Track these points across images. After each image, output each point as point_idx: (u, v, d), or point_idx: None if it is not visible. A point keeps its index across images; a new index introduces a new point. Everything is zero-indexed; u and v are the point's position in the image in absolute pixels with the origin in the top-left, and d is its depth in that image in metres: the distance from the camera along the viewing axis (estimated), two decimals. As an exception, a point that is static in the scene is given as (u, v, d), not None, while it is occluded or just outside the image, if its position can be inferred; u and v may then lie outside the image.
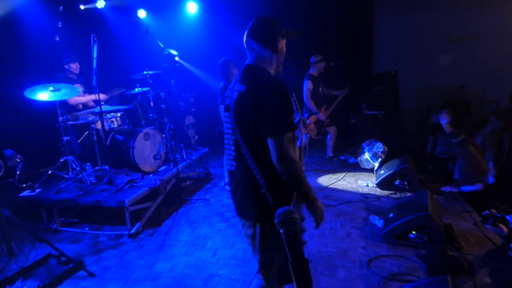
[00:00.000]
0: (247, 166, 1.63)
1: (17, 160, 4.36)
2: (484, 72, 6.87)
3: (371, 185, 4.85)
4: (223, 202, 4.58)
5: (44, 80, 4.07)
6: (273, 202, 1.60)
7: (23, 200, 3.84)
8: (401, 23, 7.43)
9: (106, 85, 5.00)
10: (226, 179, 4.92)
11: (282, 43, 1.74)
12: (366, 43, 7.66)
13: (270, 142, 1.52)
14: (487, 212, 2.97)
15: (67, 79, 4.46)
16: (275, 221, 1.26)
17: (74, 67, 4.59)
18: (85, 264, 3.11)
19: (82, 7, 5.38)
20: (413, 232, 3.15)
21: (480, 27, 6.93)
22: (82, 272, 2.97)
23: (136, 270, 3.04)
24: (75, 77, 4.62)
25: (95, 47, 3.82)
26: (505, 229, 2.80)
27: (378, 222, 3.62)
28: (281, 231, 1.25)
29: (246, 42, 1.72)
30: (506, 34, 6.77)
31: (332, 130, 5.93)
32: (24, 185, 4.12)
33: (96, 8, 5.56)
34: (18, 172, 4.23)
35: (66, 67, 4.55)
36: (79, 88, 4.22)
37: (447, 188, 4.44)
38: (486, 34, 6.91)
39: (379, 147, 5.40)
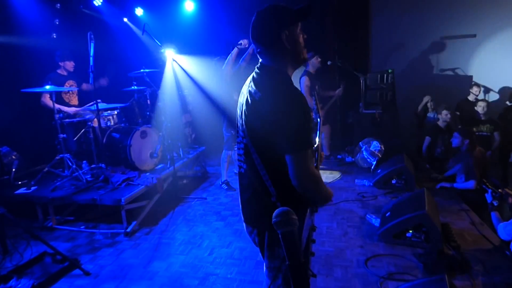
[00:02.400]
0: (256, 172, 1.51)
1: (13, 157, 4.33)
2: (481, 71, 6.89)
3: (368, 184, 4.85)
4: (220, 200, 4.56)
5: (40, 78, 4.06)
6: None
7: (19, 198, 3.81)
8: (398, 22, 7.43)
9: (103, 82, 4.98)
10: (223, 178, 4.90)
11: (292, 33, 1.48)
12: (363, 42, 7.65)
13: (288, 160, 1.39)
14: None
15: (57, 79, 4.44)
16: (272, 222, 1.24)
17: (70, 65, 4.57)
18: (80, 262, 3.10)
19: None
20: (410, 231, 3.15)
21: (477, 26, 6.95)
22: (77, 271, 2.95)
23: (132, 269, 3.02)
24: (66, 74, 4.59)
25: (92, 45, 3.80)
26: (492, 195, 2.89)
27: (375, 221, 3.62)
28: (279, 231, 1.23)
29: (252, 44, 1.55)
30: (503, 33, 6.79)
31: (325, 129, 5.92)
32: (19, 182, 4.09)
33: (93, 6, 5.52)
34: (13, 170, 4.20)
35: (61, 64, 4.52)
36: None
37: (440, 185, 4.45)
38: (483, 33, 6.93)
39: (376, 146, 5.41)
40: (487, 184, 2.99)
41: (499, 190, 2.91)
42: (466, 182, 4.20)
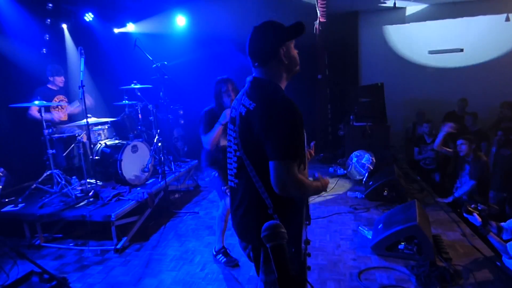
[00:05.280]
0: (251, 185, 1.51)
1: (0, 174, 4.25)
2: (468, 84, 7.06)
3: (360, 196, 4.86)
4: (212, 215, 4.52)
5: (29, 92, 4.03)
6: (282, 223, 1.43)
7: (5, 216, 3.73)
8: (387, 36, 7.61)
9: (93, 96, 4.96)
10: (220, 244, 3.37)
11: (289, 48, 1.56)
12: (352, 56, 7.81)
13: (271, 166, 1.41)
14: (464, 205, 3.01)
15: (47, 93, 4.40)
16: (261, 236, 1.24)
17: (59, 80, 4.54)
18: (68, 281, 3.01)
19: (64, 26, 5.33)
20: (402, 243, 3.16)
21: (462, 41, 7.15)
22: (65, 290, 2.87)
23: (122, 287, 2.96)
24: (56, 88, 4.56)
25: (82, 60, 3.80)
26: (479, 219, 2.83)
27: (368, 233, 3.62)
28: (268, 245, 1.23)
29: (248, 59, 1.58)
30: (490, 47, 6.98)
31: None
32: (7, 200, 4.01)
33: (84, 21, 5.56)
34: (1, 187, 4.11)
35: (51, 79, 4.50)
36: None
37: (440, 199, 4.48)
38: (469, 47, 7.13)
39: (367, 158, 5.45)
40: (471, 208, 2.94)
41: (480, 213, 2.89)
42: (465, 184, 4.21)
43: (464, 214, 2.94)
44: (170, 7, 6.48)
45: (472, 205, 2.92)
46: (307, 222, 1.65)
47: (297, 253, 1.51)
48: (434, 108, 6.92)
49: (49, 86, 4.53)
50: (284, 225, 1.38)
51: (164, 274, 3.13)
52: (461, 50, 7.18)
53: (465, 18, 7.02)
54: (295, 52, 1.60)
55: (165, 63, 5.13)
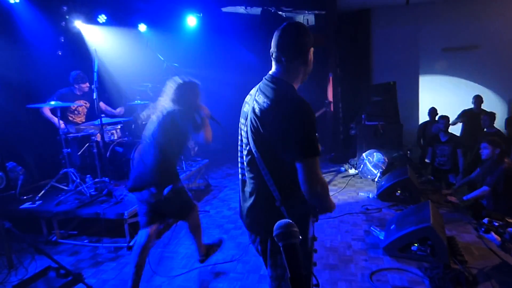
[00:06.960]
0: (261, 178, 1.56)
1: (19, 172, 4.37)
2: (483, 82, 6.91)
3: (372, 196, 4.82)
4: (223, 213, 4.55)
5: (47, 94, 4.12)
6: (288, 216, 1.51)
7: (24, 212, 3.84)
8: (399, 35, 7.51)
9: (107, 97, 5.04)
10: None
11: (311, 52, 1.61)
12: (364, 54, 7.74)
13: (299, 167, 1.45)
14: (482, 221, 2.91)
15: (68, 96, 4.45)
16: (274, 234, 1.25)
17: (84, 86, 4.57)
18: (83, 276, 3.07)
19: (78, 22, 5.33)
20: (416, 244, 3.12)
21: (478, 37, 7.00)
22: (80, 285, 2.93)
23: (135, 284, 3.00)
24: (80, 93, 4.62)
25: (96, 61, 3.86)
26: (498, 238, 2.74)
27: (380, 234, 3.59)
28: (280, 244, 1.23)
29: (273, 52, 1.58)
30: (504, 44, 6.83)
31: None
32: (25, 197, 4.12)
33: (97, 23, 5.64)
34: (19, 184, 4.24)
35: (76, 86, 4.56)
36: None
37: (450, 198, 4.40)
38: (484, 44, 6.97)
39: (380, 157, 5.40)
40: (488, 225, 2.81)
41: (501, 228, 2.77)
42: (478, 189, 4.00)
43: (481, 233, 2.85)
44: (181, 8, 6.54)
45: (495, 223, 2.80)
46: (314, 219, 1.66)
47: (303, 243, 1.52)
48: (450, 106, 6.78)
49: (74, 89, 4.59)
50: (291, 218, 1.42)
51: (176, 271, 3.17)
52: (477, 47, 7.02)
53: (481, 13, 6.86)
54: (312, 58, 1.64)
55: (176, 65, 5.18)
